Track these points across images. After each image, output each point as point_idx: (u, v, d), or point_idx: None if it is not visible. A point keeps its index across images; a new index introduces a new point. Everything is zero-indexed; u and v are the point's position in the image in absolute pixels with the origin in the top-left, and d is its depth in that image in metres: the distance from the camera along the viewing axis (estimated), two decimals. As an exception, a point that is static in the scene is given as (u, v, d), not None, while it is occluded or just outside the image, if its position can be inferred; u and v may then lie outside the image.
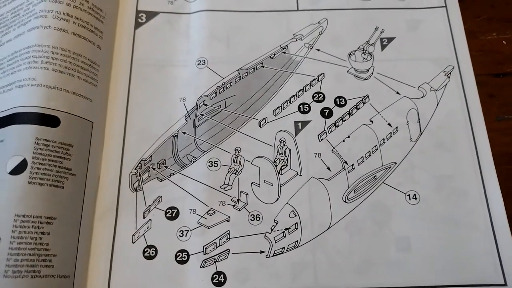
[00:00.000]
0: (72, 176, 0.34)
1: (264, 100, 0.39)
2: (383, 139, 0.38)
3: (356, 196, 0.36)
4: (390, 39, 0.42)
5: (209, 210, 0.36)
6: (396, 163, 0.37)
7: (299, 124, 0.39)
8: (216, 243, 0.35)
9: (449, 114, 0.39)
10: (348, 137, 0.38)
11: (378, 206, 0.36)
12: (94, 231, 0.35)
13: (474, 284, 0.34)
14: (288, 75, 0.40)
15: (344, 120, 0.39)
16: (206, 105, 0.39)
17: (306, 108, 0.39)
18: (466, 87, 0.40)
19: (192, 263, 0.34)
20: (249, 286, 0.34)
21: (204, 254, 0.35)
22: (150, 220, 0.36)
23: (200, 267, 0.34)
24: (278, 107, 0.39)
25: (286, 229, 0.35)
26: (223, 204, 0.36)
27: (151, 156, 0.38)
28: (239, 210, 0.36)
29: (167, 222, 0.36)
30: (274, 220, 0.36)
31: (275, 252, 0.35)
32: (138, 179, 0.37)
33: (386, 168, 0.37)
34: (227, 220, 0.35)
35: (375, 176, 0.37)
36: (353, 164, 0.37)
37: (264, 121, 0.39)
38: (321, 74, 0.40)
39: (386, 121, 0.39)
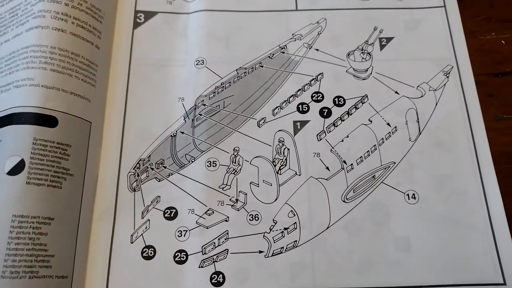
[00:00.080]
0: (70, 176, 0.33)
1: (263, 100, 0.39)
2: (382, 138, 0.38)
3: (355, 195, 0.36)
4: (389, 39, 0.42)
5: (208, 210, 0.36)
6: (395, 162, 0.37)
7: (298, 124, 0.39)
8: (214, 243, 0.35)
9: (448, 113, 0.39)
10: (347, 136, 0.38)
11: (377, 205, 0.36)
12: (92, 231, 0.35)
13: (473, 283, 0.34)
14: (287, 75, 0.40)
15: (343, 120, 0.39)
16: (204, 105, 0.39)
17: (305, 108, 0.39)
18: (465, 87, 0.40)
19: (191, 263, 0.34)
20: (248, 286, 0.34)
21: (202, 254, 0.34)
22: (149, 220, 0.35)
23: (199, 267, 0.34)
24: (277, 107, 0.39)
25: (285, 229, 0.35)
26: (222, 204, 0.36)
27: (149, 156, 0.37)
28: (238, 210, 0.36)
29: (166, 222, 0.35)
30: (273, 220, 0.35)
31: (274, 252, 0.35)
32: (137, 179, 0.37)
33: (385, 168, 0.37)
34: (226, 220, 0.35)
35: (374, 175, 0.37)
36: (352, 164, 0.37)
37: (263, 121, 0.39)
38: (320, 74, 0.40)
39: (385, 120, 0.39)
